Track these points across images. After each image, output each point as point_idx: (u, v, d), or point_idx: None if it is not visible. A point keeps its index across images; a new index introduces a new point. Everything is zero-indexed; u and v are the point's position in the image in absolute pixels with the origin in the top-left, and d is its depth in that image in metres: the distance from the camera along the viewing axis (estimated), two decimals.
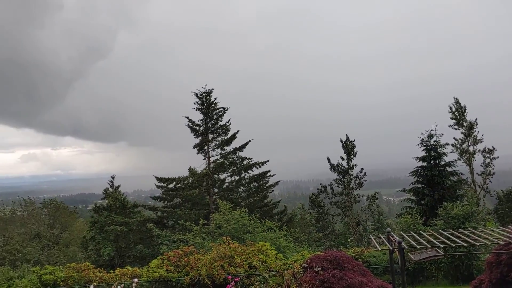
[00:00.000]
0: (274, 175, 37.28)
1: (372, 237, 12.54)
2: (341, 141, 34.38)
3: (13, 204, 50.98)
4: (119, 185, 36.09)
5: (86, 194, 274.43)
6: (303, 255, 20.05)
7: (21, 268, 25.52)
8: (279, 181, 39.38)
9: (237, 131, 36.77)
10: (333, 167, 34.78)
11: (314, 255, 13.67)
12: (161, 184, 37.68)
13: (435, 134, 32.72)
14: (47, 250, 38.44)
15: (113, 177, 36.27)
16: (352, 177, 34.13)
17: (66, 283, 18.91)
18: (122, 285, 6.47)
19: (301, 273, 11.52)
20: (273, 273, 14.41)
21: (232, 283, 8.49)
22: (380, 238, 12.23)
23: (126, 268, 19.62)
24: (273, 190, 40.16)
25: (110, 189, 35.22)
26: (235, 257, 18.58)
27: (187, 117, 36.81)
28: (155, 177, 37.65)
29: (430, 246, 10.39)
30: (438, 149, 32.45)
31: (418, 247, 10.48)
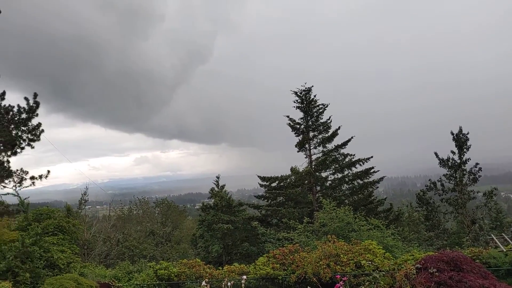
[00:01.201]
0: (378, 171, 35.88)
1: (494, 237, 11.50)
2: (452, 134, 32.05)
3: (130, 204, 55.05)
4: (224, 185, 37.16)
5: (193, 193, 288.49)
6: (413, 255, 19.02)
7: (139, 263, 27.33)
8: (384, 177, 37.73)
9: (339, 127, 36.08)
10: (443, 162, 32.56)
11: (428, 255, 12.87)
12: (264, 183, 38.19)
13: None
14: (161, 246, 40.85)
15: (218, 177, 37.42)
16: (465, 172, 31.72)
17: (179, 278, 19.88)
18: (232, 282, 6.60)
19: (414, 274, 10.89)
20: (383, 273, 13.84)
21: (341, 283, 8.20)
22: (503, 237, 11.17)
23: (234, 265, 20.12)
24: (377, 187, 38.57)
25: (216, 189, 36.35)
26: (341, 255, 18.19)
27: (288, 116, 36.97)
28: (258, 176, 38.24)
29: None
30: None
31: None
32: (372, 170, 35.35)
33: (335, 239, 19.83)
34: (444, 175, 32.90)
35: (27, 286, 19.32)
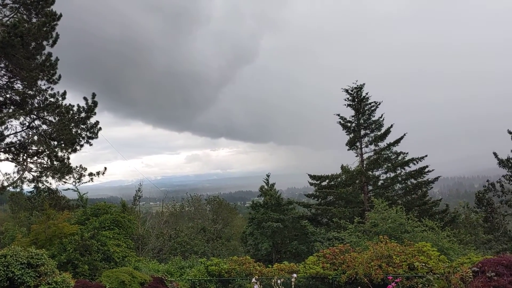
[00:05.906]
0: (433, 170, 34.60)
1: None
2: (510, 132, 30.56)
3: (182, 200, 56.25)
4: (274, 183, 37.16)
5: (243, 191, 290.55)
6: (470, 258, 18.30)
7: (190, 258, 27.88)
8: (439, 177, 36.39)
9: (391, 126, 35.16)
10: (503, 163, 31.20)
11: (486, 258, 12.35)
12: (314, 181, 37.92)
13: None
14: (211, 243, 41.45)
15: (268, 175, 37.47)
16: None
17: (229, 275, 20.13)
18: (282, 280, 6.65)
19: (470, 278, 10.48)
20: (437, 276, 13.41)
21: (393, 284, 8.04)
22: None
23: (284, 264, 20.14)
24: (432, 187, 37.26)
25: (266, 187, 36.43)
26: (393, 257, 17.82)
27: (338, 114, 36.44)
28: (308, 174, 38.00)
29: None
30: None
31: None
32: (426, 170, 34.22)
33: (387, 240, 19.44)
34: (504, 176, 31.49)
35: (85, 278, 20.20)
